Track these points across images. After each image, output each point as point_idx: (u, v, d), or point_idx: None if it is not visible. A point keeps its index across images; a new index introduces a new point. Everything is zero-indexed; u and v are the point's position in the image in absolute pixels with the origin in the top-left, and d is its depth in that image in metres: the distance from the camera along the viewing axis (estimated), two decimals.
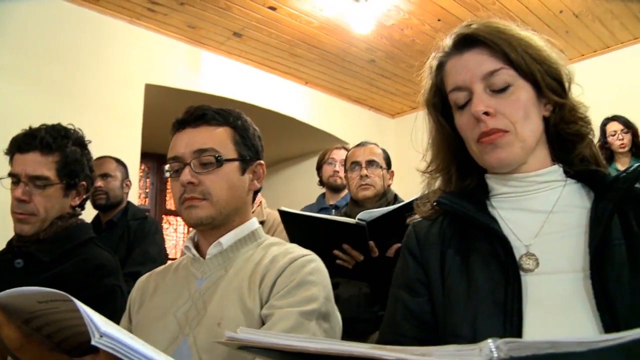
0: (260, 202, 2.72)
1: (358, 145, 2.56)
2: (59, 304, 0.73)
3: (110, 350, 0.62)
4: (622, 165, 4.11)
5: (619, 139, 4.10)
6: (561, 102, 1.04)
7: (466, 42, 1.05)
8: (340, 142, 5.76)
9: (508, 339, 0.48)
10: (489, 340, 0.48)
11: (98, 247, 1.84)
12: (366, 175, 2.39)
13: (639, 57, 5.06)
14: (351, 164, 2.49)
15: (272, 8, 4.23)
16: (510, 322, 0.89)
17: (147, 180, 6.53)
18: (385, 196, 2.41)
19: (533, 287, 0.93)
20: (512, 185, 1.06)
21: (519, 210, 1.05)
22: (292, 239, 2.10)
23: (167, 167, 1.38)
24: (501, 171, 1.05)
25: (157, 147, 5.62)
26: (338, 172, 3.51)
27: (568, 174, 1.07)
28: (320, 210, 3.50)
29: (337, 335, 1.28)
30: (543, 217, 1.01)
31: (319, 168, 3.73)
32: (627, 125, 4.12)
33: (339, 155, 3.59)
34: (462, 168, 1.13)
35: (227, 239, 1.36)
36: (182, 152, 1.33)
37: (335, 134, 5.95)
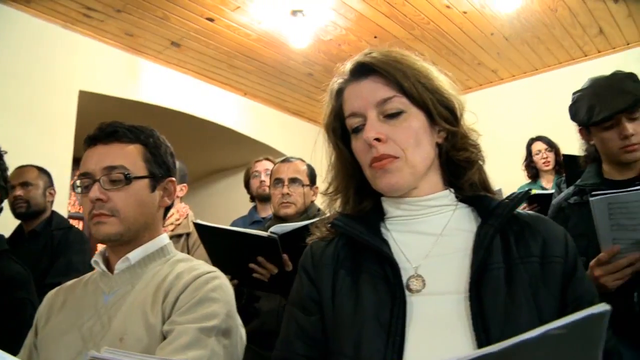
0: (187, 214, 2.71)
1: (283, 161, 2.58)
2: None
3: None
4: (546, 182, 4.28)
5: (544, 157, 4.29)
6: (453, 130, 1.08)
7: (363, 70, 1.08)
8: (279, 153, 5.79)
9: None
10: None
11: (9, 260, 1.82)
12: (288, 194, 2.42)
13: (564, 80, 5.30)
14: (274, 180, 2.51)
15: (210, 19, 4.25)
16: (392, 342, 0.92)
17: None
18: (307, 212, 2.44)
19: (418, 307, 0.97)
20: (405, 208, 1.10)
21: (410, 232, 1.08)
22: (210, 252, 2.11)
23: (77, 182, 1.38)
24: (392, 195, 1.10)
25: None
26: (264, 182, 3.52)
27: (459, 198, 1.12)
28: (253, 223, 3.51)
29: (239, 351, 1.30)
30: (433, 240, 1.05)
31: (246, 184, 3.74)
32: (550, 144, 4.31)
33: (263, 166, 3.62)
34: (360, 191, 1.16)
35: (135, 255, 1.37)
36: (92, 168, 1.34)
37: (274, 145, 5.97)
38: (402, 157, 1.03)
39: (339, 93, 1.13)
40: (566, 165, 2.88)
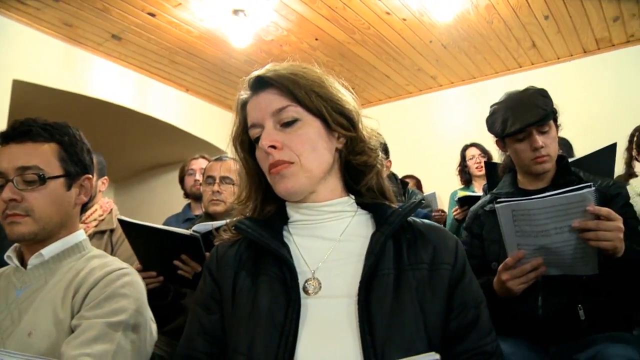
0: (111, 209, 2.67)
1: (216, 160, 2.61)
2: None
3: None
4: (479, 187, 4.40)
5: (477, 162, 4.42)
6: (349, 135, 1.14)
7: (261, 83, 1.14)
8: (219, 150, 5.77)
9: None
10: None
11: None
12: (218, 191, 2.46)
13: (500, 89, 5.45)
14: (207, 178, 2.55)
15: (152, 14, 4.21)
16: (285, 342, 0.97)
17: None
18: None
19: (312, 309, 1.02)
20: (305, 213, 1.15)
21: (311, 237, 1.14)
22: (135, 248, 2.11)
23: None
24: (291, 200, 1.15)
25: None
26: (199, 180, 3.54)
27: (359, 205, 1.18)
28: (186, 220, 3.51)
29: (148, 346, 1.33)
30: (331, 245, 1.11)
31: (181, 181, 3.74)
32: (484, 151, 4.44)
33: (198, 164, 3.65)
34: (266, 199, 1.21)
35: (49, 250, 1.38)
36: (4, 167, 1.33)
37: (214, 142, 5.96)
38: (296, 162, 1.08)
39: (243, 106, 1.18)
40: (487, 173, 3.00)
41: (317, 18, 4.33)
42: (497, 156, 3.07)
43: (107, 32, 4.48)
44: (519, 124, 1.86)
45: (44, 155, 1.37)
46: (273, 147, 1.08)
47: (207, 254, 2.00)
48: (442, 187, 4.77)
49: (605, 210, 1.46)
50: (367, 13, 4.29)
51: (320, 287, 1.05)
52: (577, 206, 1.47)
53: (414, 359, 0.58)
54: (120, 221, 2.05)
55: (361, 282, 1.01)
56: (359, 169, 1.17)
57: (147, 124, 5.38)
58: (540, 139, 1.86)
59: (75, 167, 1.44)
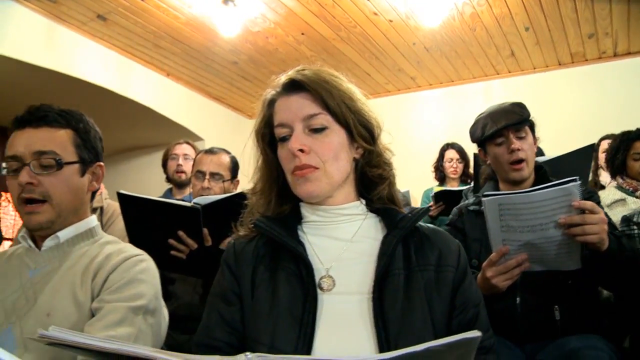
0: (101, 191, 2.68)
1: (207, 152, 2.59)
2: None
3: None
4: (451, 187, 4.52)
5: (453, 167, 4.57)
6: (369, 148, 1.22)
7: (294, 85, 1.19)
8: (196, 137, 5.77)
9: (259, 353, 0.61)
10: (246, 353, 0.61)
11: None
12: (208, 188, 2.47)
13: (476, 93, 5.64)
14: (196, 172, 2.55)
15: None
16: (304, 333, 1.04)
17: None
18: None
19: (328, 304, 1.09)
20: (320, 215, 1.22)
21: (324, 237, 1.20)
22: (129, 228, 2.12)
23: (4, 164, 1.39)
24: (310, 201, 1.22)
25: (2, 119, 5.33)
26: (181, 165, 3.56)
27: (369, 208, 1.25)
28: None
29: (163, 329, 1.39)
30: (343, 245, 1.18)
31: (164, 164, 3.75)
32: (463, 155, 4.58)
33: (182, 149, 3.65)
34: (281, 194, 1.27)
35: (64, 233, 1.41)
36: (21, 151, 1.35)
37: (192, 128, 5.97)
38: (321, 168, 1.15)
39: (271, 103, 1.23)
40: (475, 173, 3.03)
41: (306, 13, 4.38)
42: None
43: (93, 12, 4.42)
44: (495, 126, 2.00)
45: (60, 141, 1.40)
46: (301, 150, 1.14)
47: (205, 230, 2.04)
48: (414, 185, 4.87)
49: (589, 203, 1.53)
50: (355, 12, 4.36)
51: (335, 284, 1.12)
52: (562, 200, 1.52)
53: (455, 338, 0.65)
54: (120, 195, 2.05)
55: (375, 280, 1.09)
56: (373, 180, 1.25)
57: (124, 106, 5.34)
58: (517, 142, 1.97)
59: (89, 153, 1.47)
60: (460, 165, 4.58)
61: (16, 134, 1.39)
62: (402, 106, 6.09)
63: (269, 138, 1.25)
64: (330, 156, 1.16)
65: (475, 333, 0.66)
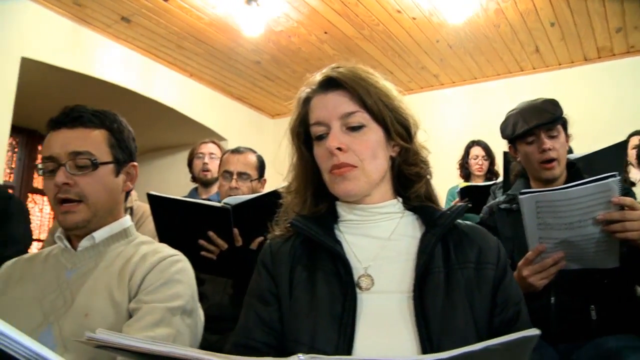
0: (131, 193, 2.70)
1: (233, 152, 2.58)
2: None
3: None
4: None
5: (478, 164, 4.49)
6: (406, 146, 1.20)
7: (331, 83, 1.18)
8: (219, 137, 5.79)
9: (313, 354, 0.60)
10: (299, 355, 0.60)
11: None
12: (236, 187, 2.46)
13: (500, 91, 5.58)
14: (223, 172, 2.53)
15: None
16: (344, 333, 1.02)
17: (14, 155, 6.07)
18: None
19: (367, 303, 1.08)
20: (357, 213, 1.21)
21: (361, 235, 1.19)
22: (159, 228, 2.11)
23: (40, 165, 1.39)
24: (348, 200, 1.20)
25: (30, 122, 5.40)
26: (207, 164, 3.55)
27: (406, 206, 1.24)
28: None
29: (199, 330, 1.39)
30: (381, 243, 1.16)
31: (189, 164, 3.76)
32: (488, 152, 4.50)
33: (208, 149, 3.64)
34: (317, 193, 1.25)
35: (100, 234, 1.42)
36: (57, 152, 1.36)
37: (214, 128, 5.99)
38: (359, 166, 1.14)
39: (306, 101, 1.22)
40: (505, 170, 2.98)
41: (329, 12, 4.37)
42: (501, 159, 3.14)
43: (117, 14, 4.48)
44: (527, 125, 1.95)
45: (95, 141, 1.40)
46: (339, 149, 1.13)
47: (235, 230, 2.03)
48: (439, 183, 4.83)
49: (629, 199, 1.49)
50: (379, 10, 4.34)
51: (373, 283, 1.10)
52: (601, 196, 1.48)
53: (513, 336, 0.63)
54: (149, 196, 2.05)
55: (415, 279, 1.07)
56: (410, 178, 1.23)
57: (148, 106, 5.39)
58: (548, 141, 1.92)
59: (123, 153, 1.47)
60: (486, 163, 4.51)
61: (52, 135, 1.40)
62: (425, 104, 6.05)
63: (304, 137, 1.24)
64: (368, 154, 1.14)
65: (534, 331, 0.64)
